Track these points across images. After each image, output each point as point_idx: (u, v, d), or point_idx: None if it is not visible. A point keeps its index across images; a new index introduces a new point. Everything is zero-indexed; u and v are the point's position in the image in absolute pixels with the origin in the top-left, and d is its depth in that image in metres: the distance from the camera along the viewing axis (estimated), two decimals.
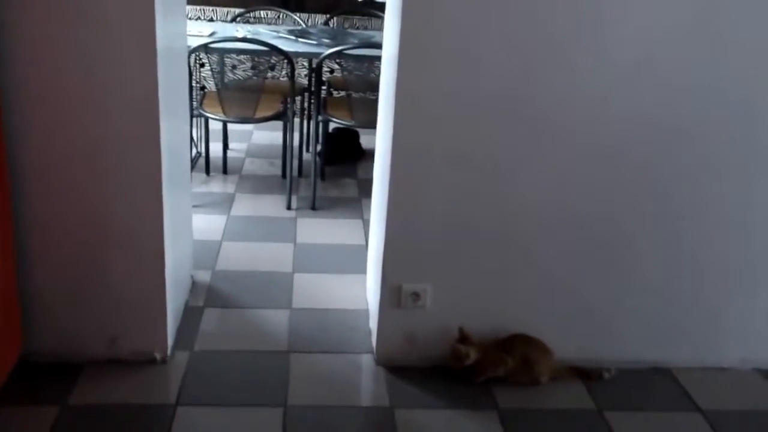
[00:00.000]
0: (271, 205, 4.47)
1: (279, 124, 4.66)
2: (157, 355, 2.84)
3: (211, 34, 4.60)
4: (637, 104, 2.66)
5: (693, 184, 2.79)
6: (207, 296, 3.36)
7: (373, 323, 3.07)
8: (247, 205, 4.45)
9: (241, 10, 5.71)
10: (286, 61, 4.23)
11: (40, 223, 2.62)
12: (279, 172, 4.99)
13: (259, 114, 4.39)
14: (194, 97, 4.49)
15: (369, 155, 5.04)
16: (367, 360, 2.97)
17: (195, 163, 4.90)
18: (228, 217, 4.24)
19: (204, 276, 3.52)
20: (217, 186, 4.73)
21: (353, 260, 3.77)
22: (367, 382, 2.90)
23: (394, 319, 2.88)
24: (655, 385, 2.93)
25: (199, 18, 5.99)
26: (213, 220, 4.17)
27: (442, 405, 2.74)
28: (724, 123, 2.72)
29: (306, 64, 5.62)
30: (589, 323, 2.95)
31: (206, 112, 4.45)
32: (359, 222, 4.30)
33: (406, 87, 2.58)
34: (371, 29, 5.85)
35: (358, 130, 5.19)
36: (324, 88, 4.97)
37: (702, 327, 3.00)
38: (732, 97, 2.68)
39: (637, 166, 2.74)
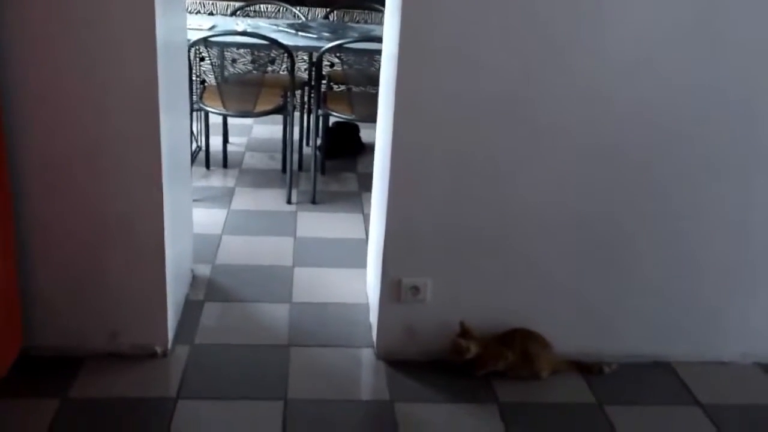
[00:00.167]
0: (272, 199, 4.47)
1: (279, 118, 4.66)
2: (158, 349, 2.84)
3: (211, 28, 4.59)
4: (637, 104, 2.66)
5: (693, 183, 2.78)
6: (207, 290, 3.36)
7: (373, 317, 3.07)
8: (247, 199, 4.45)
9: (241, 3, 5.70)
10: (286, 54, 4.22)
11: (40, 217, 2.62)
12: (279, 166, 4.99)
13: (259, 108, 4.39)
14: (194, 91, 4.48)
15: (369, 149, 5.04)
16: (367, 354, 2.97)
17: (195, 157, 4.90)
18: (228, 211, 4.25)
19: (204, 270, 3.52)
20: (217, 180, 4.73)
21: (353, 254, 3.77)
22: (367, 376, 2.90)
23: (394, 313, 2.88)
24: (655, 379, 2.94)
25: (198, 11, 5.98)
26: (213, 214, 4.17)
27: (442, 399, 2.74)
28: (724, 123, 2.72)
29: (306, 57, 5.62)
30: (589, 317, 2.95)
31: (206, 106, 4.45)
32: (359, 216, 4.30)
33: (406, 84, 2.58)
34: (371, 23, 5.83)
35: (359, 124, 5.19)
36: (324, 82, 4.96)
37: (702, 322, 3.00)
38: (732, 97, 2.68)
39: (637, 165, 2.74)
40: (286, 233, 4.02)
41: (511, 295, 2.89)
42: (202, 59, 4.93)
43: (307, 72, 5.41)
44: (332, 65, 5.52)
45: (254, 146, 5.44)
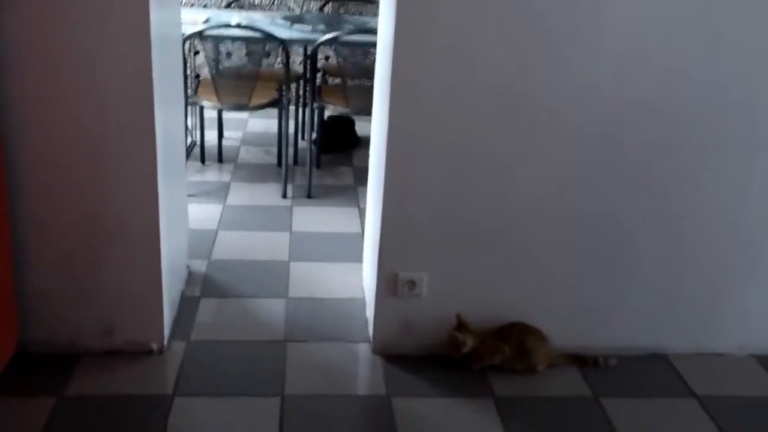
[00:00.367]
0: (267, 194, 4.46)
1: (274, 111, 4.66)
2: (154, 346, 2.83)
3: (206, 21, 4.58)
4: (635, 100, 2.65)
5: (690, 180, 2.78)
6: (203, 286, 3.35)
7: (369, 312, 3.07)
8: (242, 194, 4.44)
9: None
10: (281, 48, 4.21)
11: (35, 213, 2.62)
12: (274, 160, 4.98)
13: (254, 102, 4.38)
14: (189, 85, 4.47)
15: (364, 143, 5.02)
16: (363, 349, 2.97)
17: (190, 151, 4.88)
18: (224, 206, 4.24)
19: (200, 265, 3.52)
20: (212, 175, 4.72)
21: (349, 249, 3.76)
22: (363, 370, 2.90)
23: (391, 307, 2.88)
24: (652, 371, 2.94)
25: (193, 5, 5.96)
26: (208, 209, 4.16)
27: (439, 393, 2.74)
28: (723, 121, 2.72)
29: (301, 51, 5.60)
30: (586, 311, 2.95)
31: (201, 100, 4.44)
32: (355, 210, 4.29)
33: (402, 77, 2.58)
34: (366, 15, 5.82)
35: (354, 117, 5.18)
36: (319, 75, 4.95)
37: (699, 314, 3.00)
38: (731, 95, 2.68)
39: (635, 161, 2.74)
40: (282, 228, 4.02)
41: (508, 289, 2.89)
42: (196, 53, 4.90)
43: (302, 65, 5.39)
44: (327, 58, 5.51)
45: (249, 140, 5.43)
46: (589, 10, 2.53)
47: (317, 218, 4.17)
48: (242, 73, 4.40)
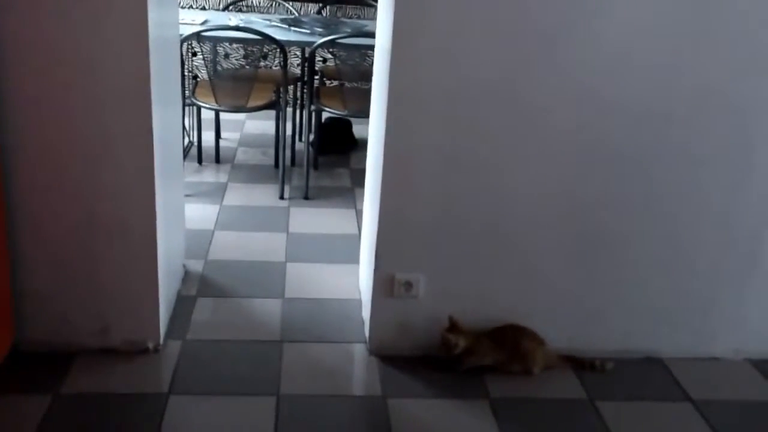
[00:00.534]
0: (264, 195, 4.46)
1: (271, 113, 4.66)
2: (150, 345, 2.83)
3: (204, 23, 4.58)
4: (631, 101, 2.66)
5: (684, 176, 2.79)
6: (199, 286, 3.35)
7: (365, 313, 3.07)
8: (239, 195, 4.44)
9: None
10: (278, 50, 4.22)
11: (31, 212, 2.62)
12: (272, 161, 4.98)
13: (252, 103, 4.38)
14: (186, 86, 4.47)
15: (362, 145, 5.03)
16: (359, 349, 2.97)
17: (187, 152, 4.89)
18: (220, 207, 4.24)
19: (196, 265, 3.52)
20: (209, 175, 4.72)
21: (346, 250, 3.76)
22: (359, 371, 2.90)
23: (387, 308, 2.88)
24: (647, 375, 2.94)
25: (191, 6, 5.96)
26: (205, 210, 4.17)
27: (435, 394, 2.74)
28: (719, 122, 2.72)
29: (299, 53, 5.61)
30: (580, 313, 2.95)
31: (198, 101, 4.44)
32: (352, 212, 4.30)
33: (399, 80, 2.58)
34: (364, 18, 5.83)
35: (351, 119, 5.18)
36: (317, 77, 4.96)
37: (694, 318, 3.00)
38: (728, 95, 2.69)
39: (628, 159, 2.74)
40: (279, 229, 4.02)
41: (505, 291, 2.89)
42: (194, 54, 4.91)
43: (299, 67, 5.40)
44: (325, 61, 5.51)
45: (247, 141, 5.43)
46: (585, 12, 2.54)
47: (314, 219, 4.18)
48: (240, 74, 4.41)
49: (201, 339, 2.96)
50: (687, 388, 2.87)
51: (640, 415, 2.72)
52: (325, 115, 4.86)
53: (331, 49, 4.45)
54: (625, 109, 2.68)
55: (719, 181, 2.81)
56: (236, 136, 5.52)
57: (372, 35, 3.26)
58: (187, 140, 4.88)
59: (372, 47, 3.30)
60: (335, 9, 6.03)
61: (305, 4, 5.97)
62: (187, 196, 3.95)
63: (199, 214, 4.08)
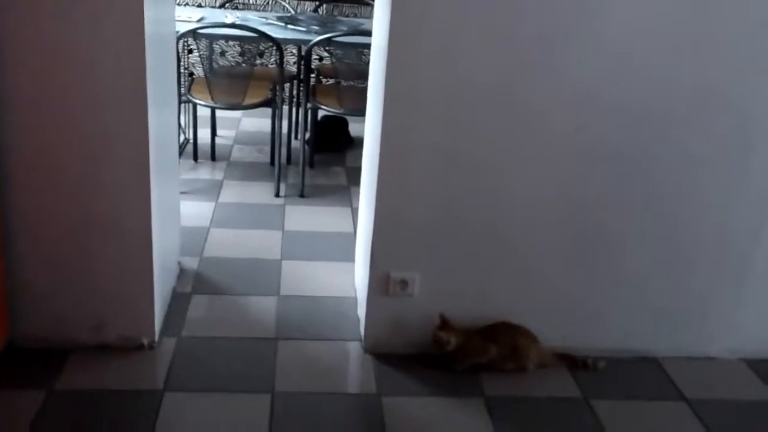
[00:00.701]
0: (260, 193, 4.46)
1: (267, 111, 4.64)
2: (145, 341, 2.83)
3: (200, 20, 4.57)
4: (626, 97, 2.66)
5: (684, 176, 2.79)
6: (195, 283, 3.35)
7: (361, 311, 3.07)
8: (235, 192, 4.44)
9: None
10: (274, 47, 4.21)
11: (27, 209, 2.61)
12: (267, 159, 4.97)
13: (248, 101, 4.37)
14: (182, 83, 4.46)
15: (358, 143, 5.03)
16: (354, 347, 2.98)
17: (183, 149, 4.88)
18: (216, 204, 4.23)
19: (192, 262, 3.51)
20: (205, 173, 4.72)
21: (341, 248, 3.76)
22: (354, 369, 2.90)
23: (382, 306, 2.88)
24: (642, 374, 2.95)
25: (187, 3, 5.95)
26: (201, 207, 4.16)
27: (430, 392, 2.75)
28: (717, 122, 2.73)
29: (295, 51, 5.60)
30: (575, 312, 2.96)
31: (194, 98, 4.44)
32: (348, 210, 4.30)
33: (395, 78, 2.58)
34: (361, 17, 5.83)
35: (347, 117, 5.18)
36: (313, 75, 4.95)
37: (690, 317, 3.01)
38: (726, 96, 2.69)
39: (628, 159, 2.75)
40: (274, 226, 4.02)
41: (500, 290, 2.90)
42: (190, 51, 4.91)
43: (295, 65, 5.40)
44: (321, 59, 5.51)
45: (242, 139, 5.42)
46: (584, 12, 2.54)
47: (309, 217, 4.18)
48: (236, 72, 4.41)
49: (196, 336, 2.96)
50: (682, 388, 2.87)
51: (634, 414, 2.73)
52: (321, 113, 4.85)
53: (327, 48, 4.45)
54: (625, 110, 2.68)
55: (719, 181, 2.81)
56: (232, 133, 5.51)
57: (368, 33, 3.26)
58: (182, 137, 4.87)
59: (368, 46, 3.30)
60: (332, 7, 6.02)
61: (302, 2, 5.97)
62: (182, 193, 3.95)
63: (195, 211, 4.07)
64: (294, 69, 5.38)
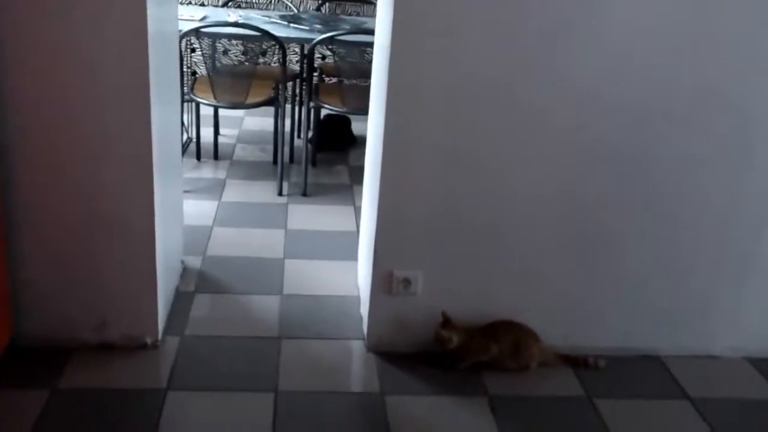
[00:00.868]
0: (263, 191, 4.46)
1: (270, 110, 4.65)
2: (148, 340, 2.83)
3: (203, 19, 4.58)
4: (626, 97, 2.66)
5: (684, 176, 2.79)
6: (198, 281, 3.35)
7: (364, 309, 3.07)
8: (238, 191, 4.44)
9: None
10: (277, 46, 4.21)
11: (30, 208, 2.61)
12: (270, 158, 4.97)
13: (251, 99, 4.38)
14: (185, 82, 4.47)
15: (360, 142, 5.02)
16: (357, 346, 2.98)
17: (186, 148, 4.88)
18: (219, 203, 4.24)
19: (195, 261, 3.52)
20: (208, 171, 4.72)
21: (344, 247, 3.76)
22: (357, 368, 2.90)
23: (385, 305, 2.88)
24: (645, 372, 2.95)
25: (190, 2, 5.95)
26: (204, 206, 4.16)
27: (433, 391, 2.74)
28: (718, 122, 2.72)
29: (297, 49, 5.60)
30: (577, 311, 2.95)
31: (197, 97, 4.44)
32: (350, 208, 4.30)
33: (398, 77, 2.58)
34: (363, 15, 5.82)
35: (350, 116, 5.18)
36: (315, 74, 4.95)
37: (692, 316, 3.01)
38: (726, 96, 2.69)
39: (628, 158, 2.74)
40: (277, 225, 4.02)
41: (503, 289, 2.90)
42: (193, 50, 4.91)
43: (298, 64, 5.40)
44: (324, 57, 5.50)
45: (245, 138, 5.42)
46: (585, 12, 2.54)
47: (312, 216, 4.18)
48: (238, 71, 4.41)
49: (199, 335, 2.96)
50: (685, 386, 2.87)
51: (637, 413, 2.73)
52: (323, 112, 4.86)
53: (330, 46, 4.45)
54: (625, 109, 2.68)
55: (719, 181, 2.81)
56: (235, 132, 5.51)
57: (371, 32, 3.26)
58: (185, 136, 4.88)
59: (371, 44, 3.30)
60: (334, 6, 6.02)
61: (304, 0, 5.97)
62: (185, 192, 3.95)
63: (198, 210, 4.07)
64: (297, 68, 5.38)
